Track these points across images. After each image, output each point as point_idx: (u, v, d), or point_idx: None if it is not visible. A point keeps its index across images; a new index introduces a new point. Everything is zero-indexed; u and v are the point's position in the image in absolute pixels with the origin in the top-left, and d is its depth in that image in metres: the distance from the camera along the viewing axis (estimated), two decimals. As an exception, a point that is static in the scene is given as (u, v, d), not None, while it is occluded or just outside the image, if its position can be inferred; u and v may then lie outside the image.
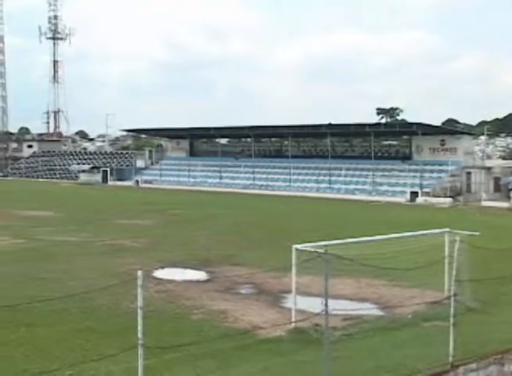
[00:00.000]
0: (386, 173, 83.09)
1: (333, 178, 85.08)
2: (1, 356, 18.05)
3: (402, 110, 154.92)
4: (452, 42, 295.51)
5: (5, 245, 39.51)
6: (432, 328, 19.66)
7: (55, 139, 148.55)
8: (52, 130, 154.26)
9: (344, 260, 18.04)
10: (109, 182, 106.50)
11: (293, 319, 20.96)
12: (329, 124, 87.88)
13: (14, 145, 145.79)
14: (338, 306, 18.79)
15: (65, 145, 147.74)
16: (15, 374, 15.40)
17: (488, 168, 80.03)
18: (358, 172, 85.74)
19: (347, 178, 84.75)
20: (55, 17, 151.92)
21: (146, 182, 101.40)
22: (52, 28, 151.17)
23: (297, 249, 21.48)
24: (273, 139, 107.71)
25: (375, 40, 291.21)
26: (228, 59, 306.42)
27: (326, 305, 13.94)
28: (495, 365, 16.29)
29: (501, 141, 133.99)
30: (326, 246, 19.11)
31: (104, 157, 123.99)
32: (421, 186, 76.53)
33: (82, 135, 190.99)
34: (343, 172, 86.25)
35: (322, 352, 13.87)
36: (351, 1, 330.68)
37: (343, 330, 19.83)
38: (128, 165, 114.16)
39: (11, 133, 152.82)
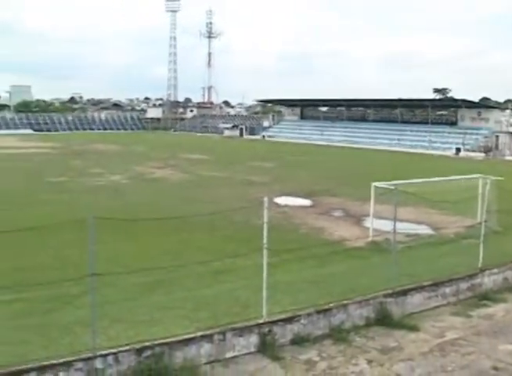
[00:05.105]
0: (439, 134, 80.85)
1: (401, 137, 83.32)
2: (170, 251, 18.76)
3: (450, 90, 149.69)
4: (488, 43, 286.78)
5: (174, 178, 40.66)
6: (468, 244, 19.28)
7: (208, 106, 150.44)
8: (206, 100, 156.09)
9: (408, 194, 17.88)
10: (244, 136, 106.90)
11: (370, 235, 20.96)
12: (400, 99, 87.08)
13: (181, 110, 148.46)
14: (402, 227, 18.66)
15: (215, 110, 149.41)
16: (184, 262, 15.93)
17: (511, 133, 77.53)
18: (419, 133, 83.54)
19: (411, 137, 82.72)
20: (210, 23, 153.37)
21: (269, 136, 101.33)
22: (208, 31, 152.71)
23: (375, 186, 21.46)
24: (360, 108, 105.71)
25: (432, 39, 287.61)
26: (330, 52, 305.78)
27: (395, 225, 13.87)
28: (510, 270, 16.25)
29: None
30: (395, 184, 18.98)
31: (241, 119, 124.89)
32: (463, 144, 74.45)
33: (226, 103, 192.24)
34: (408, 133, 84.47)
35: (391, 258, 13.86)
36: (415, 11, 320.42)
37: (405, 243, 19.68)
38: (257, 124, 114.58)
39: (179, 102, 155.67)
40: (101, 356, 9.65)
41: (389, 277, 13.41)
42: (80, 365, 9.43)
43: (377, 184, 21.50)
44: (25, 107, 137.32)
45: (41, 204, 28.19)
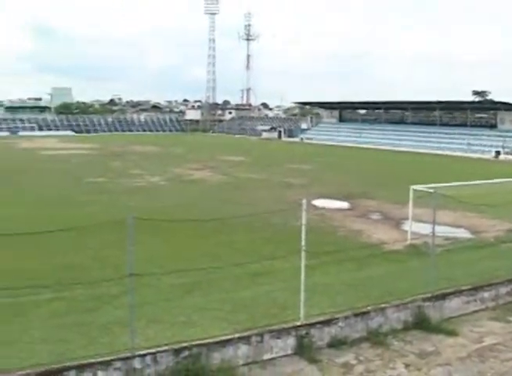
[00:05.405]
0: (478, 137, 79.65)
1: (439, 140, 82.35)
2: (208, 252, 18.88)
3: (490, 92, 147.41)
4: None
5: (212, 179, 40.88)
6: (507, 248, 19.07)
7: (246, 108, 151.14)
8: (244, 102, 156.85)
9: (447, 197, 17.68)
10: (283, 138, 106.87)
11: (409, 238, 20.79)
12: (438, 102, 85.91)
13: (219, 112, 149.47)
14: (441, 230, 18.49)
15: (253, 112, 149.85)
16: (222, 264, 16.03)
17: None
18: (457, 136, 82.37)
19: (450, 140, 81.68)
20: (249, 25, 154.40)
21: (307, 138, 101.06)
22: (246, 33, 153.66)
23: (413, 189, 21.32)
24: (398, 111, 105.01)
25: (471, 40, 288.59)
26: (368, 53, 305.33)
27: (433, 228, 13.75)
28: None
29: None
30: (434, 187, 18.83)
31: (279, 121, 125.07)
32: (503, 147, 73.14)
33: (265, 105, 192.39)
34: (447, 136, 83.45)
35: (429, 261, 13.74)
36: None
37: (444, 247, 19.48)
38: (295, 127, 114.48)
39: (217, 104, 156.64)
40: (139, 355, 9.79)
41: (427, 281, 13.30)
42: (118, 364, 9.59)
43: (416, 187, 21.36)
44: (65, 109, 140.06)
45: (80, 204, 28.67)
